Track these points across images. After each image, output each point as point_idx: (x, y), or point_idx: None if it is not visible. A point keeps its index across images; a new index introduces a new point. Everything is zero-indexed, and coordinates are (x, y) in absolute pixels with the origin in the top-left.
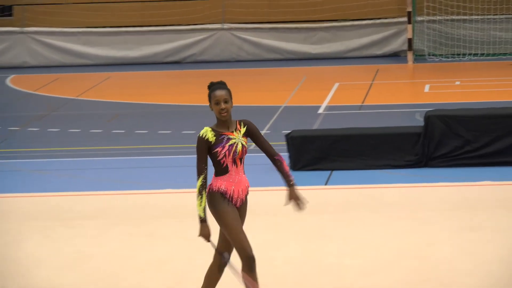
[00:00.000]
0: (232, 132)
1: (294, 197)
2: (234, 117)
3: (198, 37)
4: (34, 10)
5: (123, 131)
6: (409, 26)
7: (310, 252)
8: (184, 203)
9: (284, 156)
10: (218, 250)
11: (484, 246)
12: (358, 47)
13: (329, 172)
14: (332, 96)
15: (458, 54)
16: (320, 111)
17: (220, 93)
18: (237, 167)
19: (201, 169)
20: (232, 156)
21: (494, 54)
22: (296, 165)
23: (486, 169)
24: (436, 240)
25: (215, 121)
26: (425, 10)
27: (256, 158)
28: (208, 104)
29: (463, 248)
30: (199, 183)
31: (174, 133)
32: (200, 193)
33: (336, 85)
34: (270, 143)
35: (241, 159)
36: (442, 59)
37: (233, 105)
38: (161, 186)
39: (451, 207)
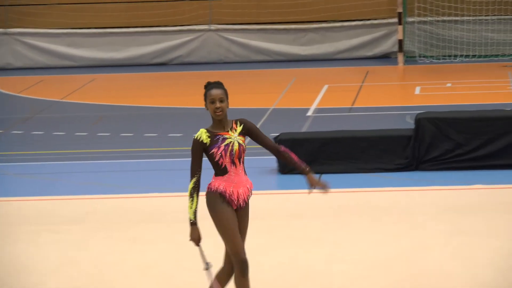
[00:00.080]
0: (228, 131)
1: (315, 183)
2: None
3: (185, 38)
4: (17, 11)
5: (108, 134)
6: (400, 27)
7: (298, 257)
8: (170, 207)
9: (272, 159)
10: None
11: (475, 250)
12: (348, 48)
13: (318, 175)
14: (322, 98)
15: (449, 56)
16: (309, 113)
17: (215, 92)
18: (236, 167)
19: (194, 172)
20: (230, 156)
21: (485, 56)
22: (284, 169)
23: (477, 172)
24: (426, 245)
25: (202, 124)
26: (416, 11)
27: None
28: (204, 106)
29: (454, 252)
30: (191, 185)
31: (160, 136)
32: (191, 195)
33: (326, 87)
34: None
35: (239, 159)
36: (433, 60)
37: None
38: (147, 190)
39: (442, 211)
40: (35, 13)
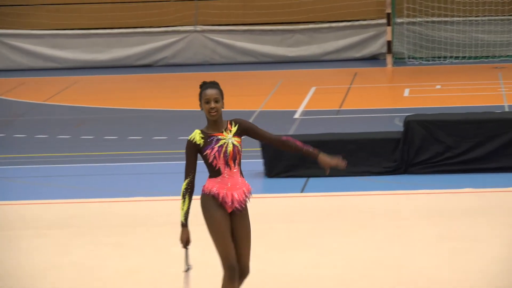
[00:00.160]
0: (222, 132)
1: (328, 164)
2: None
3: (170, 39)
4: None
5: (91, 137)
6: (389, 28)
7: (284, 262)
8: (155, 211)
9: (259, 162)
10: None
11: (464, 255)
12: (336, 49)
13: (305, 179)
14: (309, 101)
15: (439, 57)
16: (296, 116)
17: (210, 92)
18: (230, 169)
19: (187, 173)
20: (224, 157)
21: (476, 57)
22: (271, 172)
23: (467, 176)
24: (415, 249)
25: (189, 127)
26: (405, 11)
27: None
28: (199, 107)
29: (443, 257)
30: (183, 186)
31: (144, 139)
32: (183, 196)
33: (313, 89)
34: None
35: (234, 161)
36: (423, 62)
37: None
38: (131, 194)
39: (431, 215)
40: (17, 14)
